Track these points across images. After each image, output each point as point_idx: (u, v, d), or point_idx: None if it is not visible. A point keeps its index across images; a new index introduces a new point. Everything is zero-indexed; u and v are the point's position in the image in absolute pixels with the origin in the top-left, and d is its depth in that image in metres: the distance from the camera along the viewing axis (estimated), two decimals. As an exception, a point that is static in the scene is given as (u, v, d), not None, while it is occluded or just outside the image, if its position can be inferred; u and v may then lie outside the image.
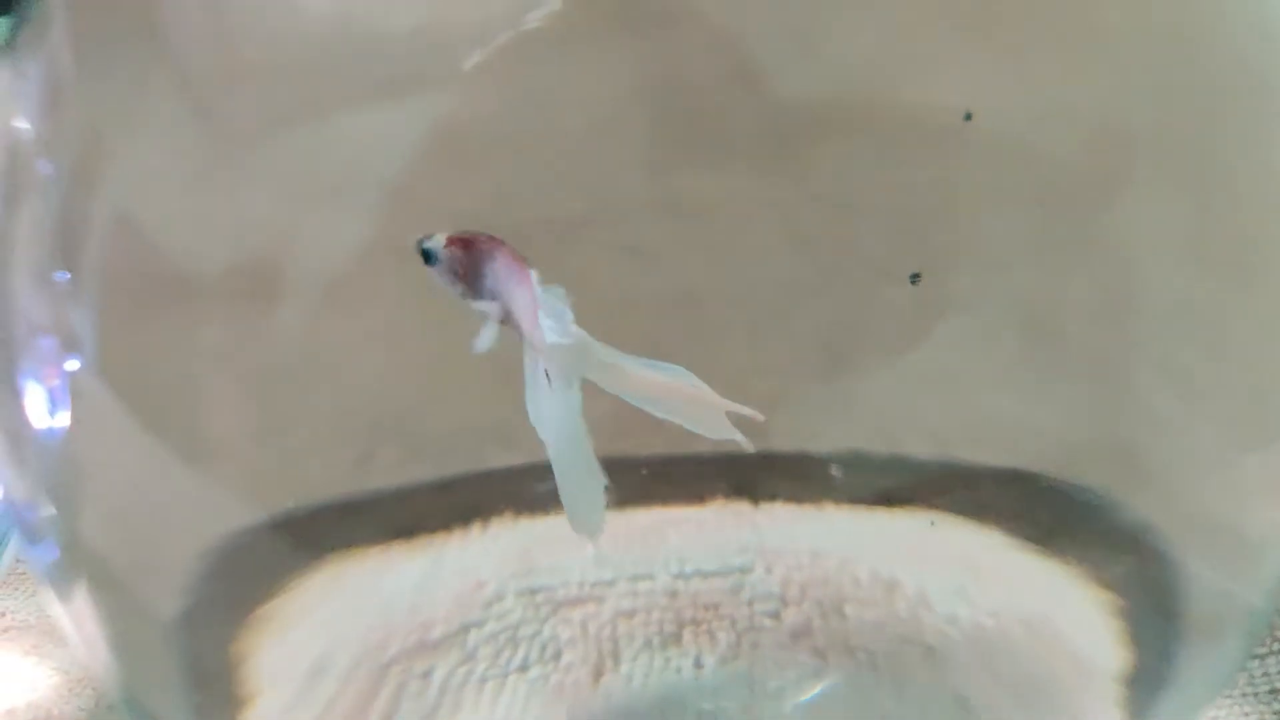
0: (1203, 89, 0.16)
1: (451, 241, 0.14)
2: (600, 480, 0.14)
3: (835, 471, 0.17)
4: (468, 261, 0.14)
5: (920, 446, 0.17)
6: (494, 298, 0.14)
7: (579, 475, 0.14)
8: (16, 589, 0.28)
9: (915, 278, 0.16)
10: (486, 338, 0.14)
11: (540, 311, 0.14)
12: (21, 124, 0.17)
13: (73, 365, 0.16)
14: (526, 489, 0.17)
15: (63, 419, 0.16)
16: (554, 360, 0.14)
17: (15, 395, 0.16)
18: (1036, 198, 0.16)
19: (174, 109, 0.16)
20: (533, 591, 0.18)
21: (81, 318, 0.16)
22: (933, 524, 0.17)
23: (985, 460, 0.18)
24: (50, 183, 0.16)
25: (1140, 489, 0.17)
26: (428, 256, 0.14)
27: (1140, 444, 0.17)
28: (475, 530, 0.17)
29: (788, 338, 0.16)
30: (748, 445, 0.14)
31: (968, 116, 0.15)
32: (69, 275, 0.16)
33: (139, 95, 0.16)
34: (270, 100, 0.15)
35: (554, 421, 0.14)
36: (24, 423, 0.17)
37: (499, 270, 0.14)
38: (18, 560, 0.28)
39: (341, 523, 0.17)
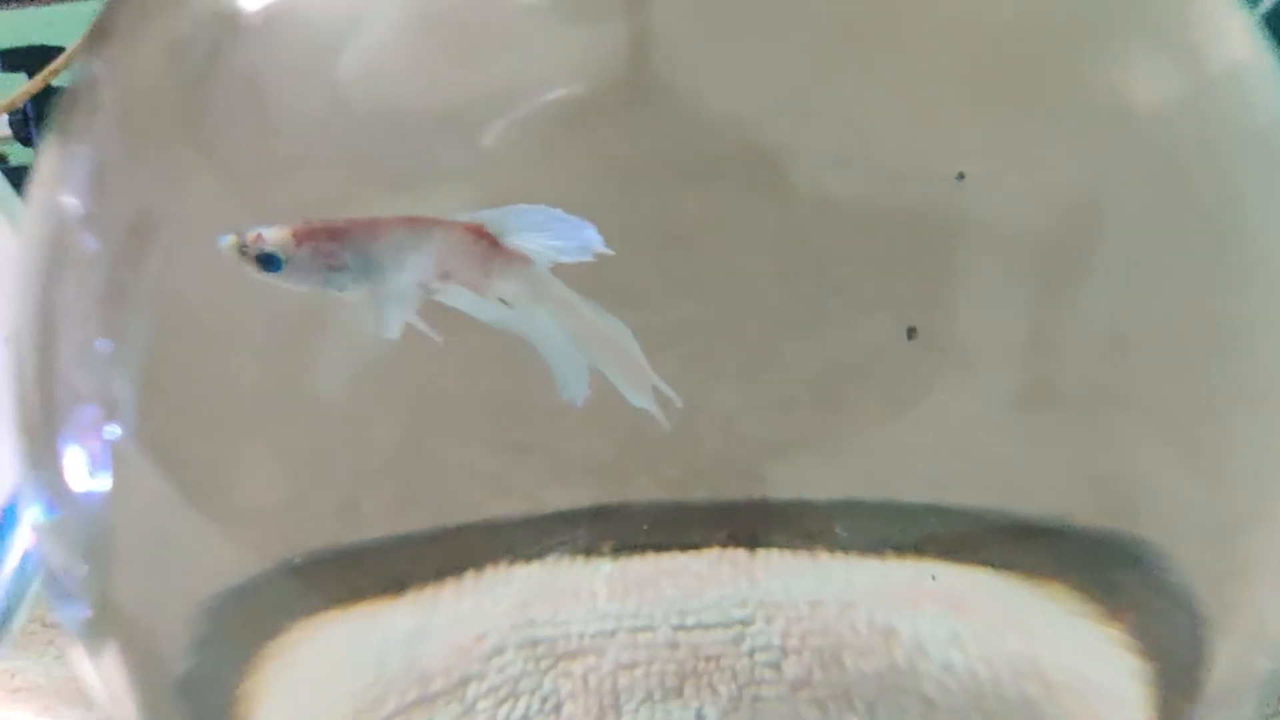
0: (1191, 162, 0.17)
1: (307, 233, 0.13)
2: (582, 359, 0.14)
3: (841, 530, 0.17)
4: (342, 249, 0.13)
5: (915, 492, 0.17)
6: (397, 271, 0.13)
7: (564, 354, 0.14)
8: (27, 650, 0.28)
9: (912, 332, 0.16)
10: (394, 320, 0.13)
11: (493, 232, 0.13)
12: (70, 201, 0.18)
13: (112, 431, 0.17)
14: (522, 539, 0.17)
15: (101, 482, 0.17)
16: (520, 277, 0.13)
17: (56, 459, 0.17)
18: (1029, 251, 0.16)
19: (216, 193, 0.17)
20: (534, 644, 0.18)
21: (121, 386, 0.17)
22: (934, 578, 0.17)
23: (981, 507, 0.18)
24: (95, 258, 0.17)
25: (1142, 540, 0.18)
26: (269, 263, 0.13)
27: (1141, 495, 0.18)
28: (469, 582, 0.17)
29: (780, 379, 0.16)
30: (665, 424, 0.14)
31: (960, 176, 0.16)
32: (111, 346, 0.17)
33: (182, 179, 0.17)
34: (305, 185, 0.16)
35: (531, 321, 0.14)
36: (63, 486, 0.17)
37: (397, 237, 0.13)
38: (28, 621, 0.28)
39: (330, 576, 0.17)
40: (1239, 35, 0.18)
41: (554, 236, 0.13)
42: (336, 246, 0.13)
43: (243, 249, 0.13)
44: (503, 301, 0.14)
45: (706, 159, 0.16)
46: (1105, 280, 0.17)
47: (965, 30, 0.17)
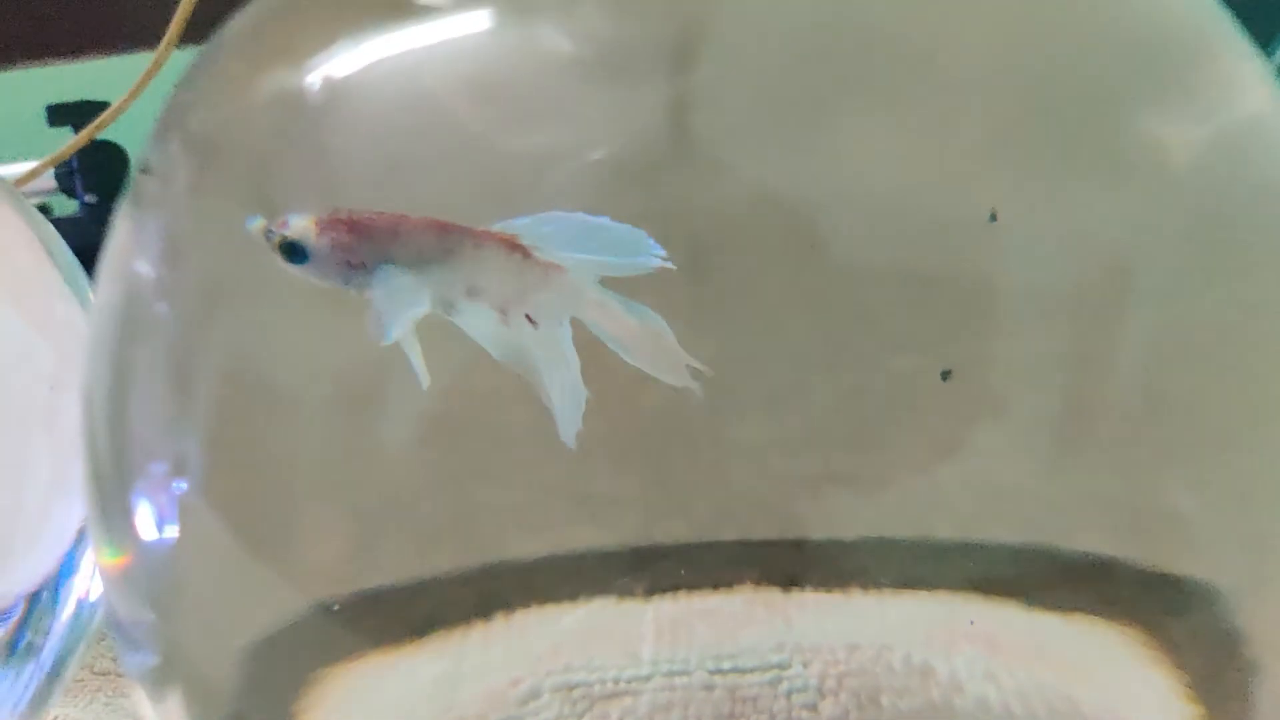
0: (1217, 208, 0.17)
1: (329, 224, 0.12)
2: (583, 392, 0.14)
3: (876, 570, 0.17)
4: (361, 246, 0.12)
5: (951, 530, 0.17)
6: (418, 278, 0.12)
7: (569, 393, 0.13)
8: (77, 697, 0.29)
9: (946, 374, 0.16)
10: (393, 329, 0.12)
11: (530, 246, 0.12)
12: (143, 269, 0.19)
13: (180, 487, 0.18)
14: (553, 581, 0.17)
15: (169, 533, 0.18)
16: (555, 288, 0.13)
17: (127, 513, 0.18)
18: (1062, 292, 0.17)
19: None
20: (569, 687, 0.18)
21: (190, 444, 0.18)
22: (972, 623, 0.17)
23: (1020, 544, 0.18)
24: (167, 323, 0.19)
25: (1188, 580, 0.18)
26: (294, 252, 0.12)
27: (1185, 535, 0.18)
28: (499, 624, 0.18)
29: (805, 414, 0.17)
30: (699, 392, 0.14)
31: (992, 217, 0.16)
32: (181, 406, 0.18)
33: (250, 248, 0.18)
34: None
35: (543, 354, 0.13)
36: (134, 538, 0.19)
37: (421, 243, 0.12)
38: (78, 669, 0.29)
39: (364, 620, 0.18)
40: (1259, 85, 0.19)
41: (601, 249, 0.13)
42: (356, 242, 0.12)
43: (268, 234, 0.13)
44: (529, 319, 0.13)
45: (740, 205, 0.17)
46: (1140, 319, 0.17)
47: (997, 83, 0.17)
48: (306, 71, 0.18)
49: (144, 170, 0.19)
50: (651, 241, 0.13)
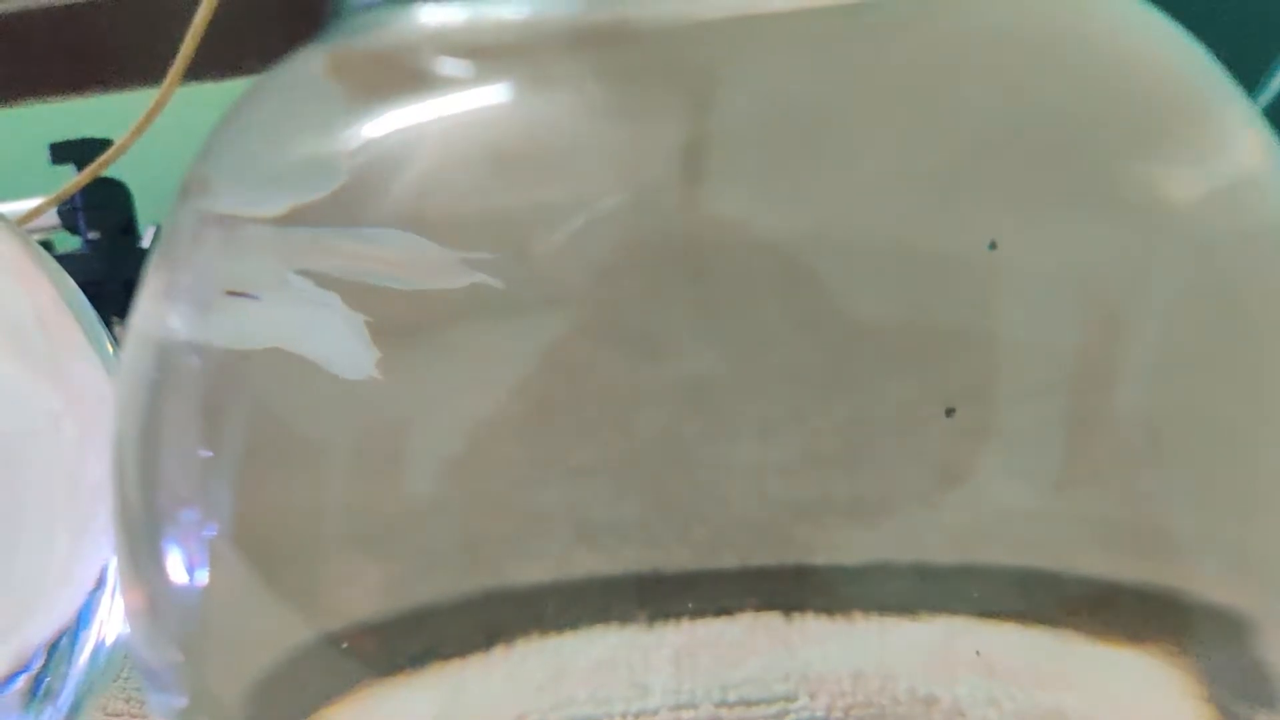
0: (1215, 253, 0.19)
1: None
2: (355, 316, 0.14)
3: (879, 595, 0.18)
4: None
5: (954, 554, 0.18)
6: None
7: (339, 325, 0.13)
8: (85, 745, 0.31)
9: (950, 411, 0.17)
10: None
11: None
12: (175, 323, 0.20)
13: (210, 533, 0.19)
14: (553, 608, 0.18)
15: (200, 579, 0.20)
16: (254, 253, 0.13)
17: (158, 559, 0.20)
18: (1060, 317, 0.18)
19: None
20: (575, 723, 0.19)
21: (220, 491, 0.19)
22: (978, 653, 0.18)
23: (1025, 567, 0.18)
24: (197, 374, 0.20)
25: (1199, 603, 0.19)
26: None
27: (1195, 556, 0.18)
28: (498, 655, 0.18)
29: (805, 439, 0.17)
30: (497, 283, 0.15)
31: (992, 245, 0.17)
32: (211, 454, 0.19)
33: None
34: (388, 304, 0.18)
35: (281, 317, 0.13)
36: (164, 583, 0.20)
37: None
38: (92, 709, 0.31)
39: (357, 655, 0.19)
40: (1246, 130, 0.20)
41: None
42: None
43: None
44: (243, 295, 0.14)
45: (742, 234, 0.18)
46: (1141, 340, 0.18)
47: (995, 127, 0.19)
48: (331, 138, 0.19)
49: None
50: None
